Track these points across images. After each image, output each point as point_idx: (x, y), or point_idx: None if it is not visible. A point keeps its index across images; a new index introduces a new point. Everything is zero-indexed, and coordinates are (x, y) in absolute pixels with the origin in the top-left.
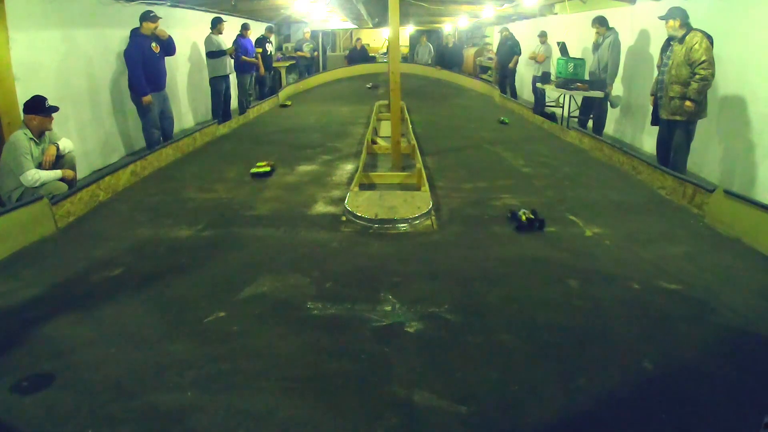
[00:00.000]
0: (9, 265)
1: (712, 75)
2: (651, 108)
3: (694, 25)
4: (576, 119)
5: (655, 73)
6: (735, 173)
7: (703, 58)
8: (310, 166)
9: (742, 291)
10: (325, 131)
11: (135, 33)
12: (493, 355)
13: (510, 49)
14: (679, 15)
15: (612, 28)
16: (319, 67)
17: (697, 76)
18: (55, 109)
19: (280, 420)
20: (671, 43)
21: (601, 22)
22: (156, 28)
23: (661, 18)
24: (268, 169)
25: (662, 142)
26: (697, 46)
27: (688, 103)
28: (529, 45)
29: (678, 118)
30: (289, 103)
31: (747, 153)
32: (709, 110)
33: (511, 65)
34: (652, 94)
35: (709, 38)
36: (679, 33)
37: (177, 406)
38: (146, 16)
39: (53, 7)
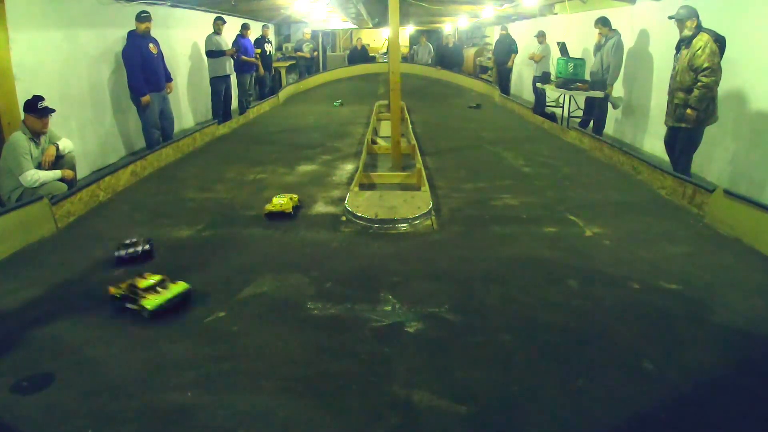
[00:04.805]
0: (9, 265)
1: (716, 83)
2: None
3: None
4: (577, 119)
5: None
6: (736, 174)
7: (706, 64)
8: (310, 166)
9: (742, 291)
10: (325, 131)
11: (132, 34)
12: (493, 355)
13: (507, 47)
14: (695, 15)
15: (615, 30)
16: (319, 67)
17: (699, 83)
18: (51, 110)
19: (280, 420)
20: (681, 45)
21: (603, 22)
22: (147, 27)
23: (675, 18)
24: (289, 208)
25: (669, 147)
26: (699, 51)
27: (689, 110)
28: (528, 45)
29: (683, 125)
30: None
31: (750, 155)
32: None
33: (509, 64)
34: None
35: (720, 40)
36: (689, 35)
37: (177, 406)
38: (137, 16)
39: (53, 8)
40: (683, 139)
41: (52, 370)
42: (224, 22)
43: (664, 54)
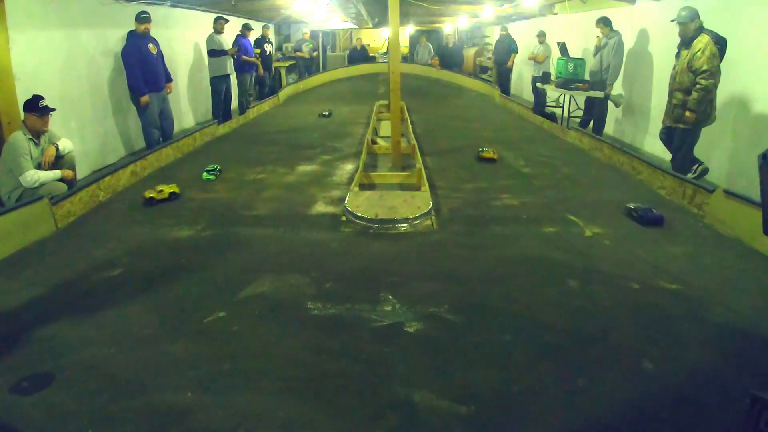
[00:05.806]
0: (9, 265)
1: (714, 86)
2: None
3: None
4: (577, 119)
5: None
6: (735, 174)
7: (705, 67)
8: (310, 166)
9: (742, 291)
10: (325, 131)
11: (132, 34)
12: (493, 355)
13: (507, 47)
14: (697, 16)
15: (615, 30)
16: (319, 67)
17: (698, 86)
18: (51, 109)
19: (280, 420)
20: (682, 46)
21: (605, 22)
22: (147, 28)
23: (677, 20)
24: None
25: (666, 144)
26: (699, 53)
27: (687, 113)
28: (528, 45)
29: (681, 126)
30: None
31: (749, 155)
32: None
33: (509, 64)
34: None
35: (721, 42)
36: (692, 36)
37: (177, 406)
38: (137, 17)
39: (53, 8)
40: (680, 139)
41: (52, 370)
42: (226, 21)
43: (664, 54)
